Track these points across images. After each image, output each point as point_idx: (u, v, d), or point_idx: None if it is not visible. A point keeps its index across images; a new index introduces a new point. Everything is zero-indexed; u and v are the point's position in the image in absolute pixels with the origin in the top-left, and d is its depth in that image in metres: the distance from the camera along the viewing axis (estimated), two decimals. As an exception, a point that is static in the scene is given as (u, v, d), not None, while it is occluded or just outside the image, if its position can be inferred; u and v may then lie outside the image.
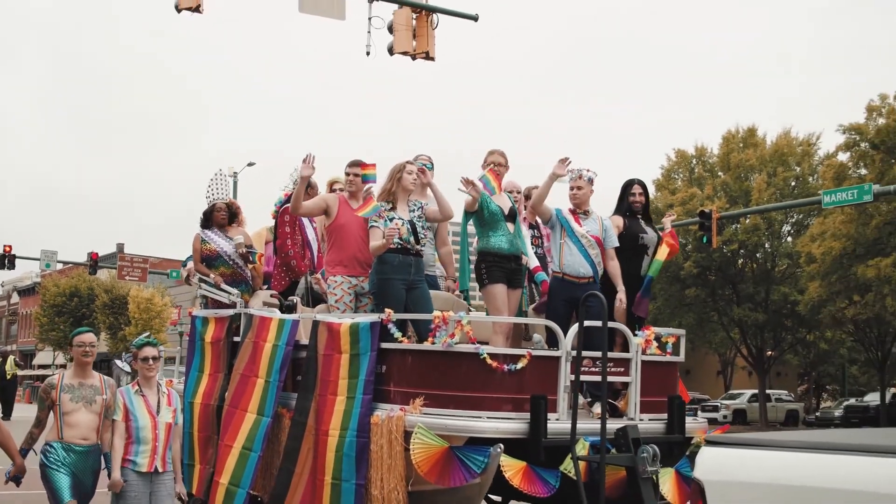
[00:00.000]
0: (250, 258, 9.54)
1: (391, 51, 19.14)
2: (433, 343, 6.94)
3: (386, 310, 7.27)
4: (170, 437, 7.32)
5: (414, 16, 19.15)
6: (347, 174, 8.73)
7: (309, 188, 8.85)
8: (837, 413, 46.14)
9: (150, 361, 7.34)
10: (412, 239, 7.87)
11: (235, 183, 41.55)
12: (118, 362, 9.80)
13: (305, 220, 9.58)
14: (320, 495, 7.28)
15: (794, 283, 39.86)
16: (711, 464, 5.06)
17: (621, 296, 8.08)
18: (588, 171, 8.26)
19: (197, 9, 17.14)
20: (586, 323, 7.01)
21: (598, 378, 7.00)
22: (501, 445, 6.39)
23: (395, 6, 19.10)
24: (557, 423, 6.74)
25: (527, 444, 6.63)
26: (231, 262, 9.50)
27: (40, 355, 79.65)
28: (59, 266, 52.24)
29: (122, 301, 58.44)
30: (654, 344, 7.57)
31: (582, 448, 6.63)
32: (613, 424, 6.97)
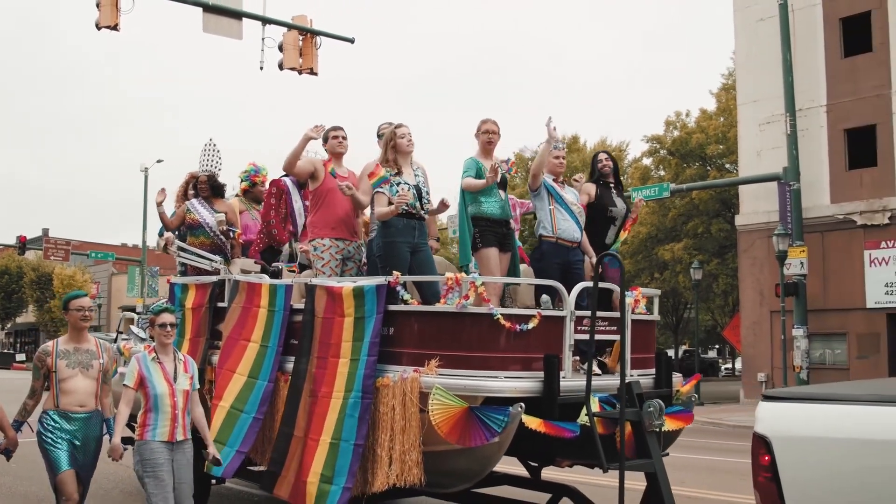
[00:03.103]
0: (230, 235, 8.38)
1: (281, 66, 18.68)
2: (445, 304, 5.80)
3: (394, 272, 6.07)
4: (187, 404, 5.93)
5: (300, 37, 18.74)
6: (335, 137, 7.44)
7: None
8: (641, 366, 47.84)
9: (168, 328, 5.97)
10: (418, 204, 6.68)
11: (146, 178, 40.71)
12: (134, 328, 8.81)
13: (294, 193, 8.26)
14: (312, 455, 6.07)
15: (609, 262, 41.04)
16: (776, 419, 4.22)
17: (594, 261, 7.15)
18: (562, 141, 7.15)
19: (115, 27, 16.43)
20: (581, 285, 6.10)
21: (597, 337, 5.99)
22: (522, 404, 5.32)
23: (285, 29, 18.64)
24: (564, 381, 5.69)
25: (540, 402, 5.58)
26: (211, 234, 8.33)
27: (-26, 326, 76.20)
28: (-8, 248, 50.03)
29: (48, 278, 56.02)
30: (642, 304, 6.66)
31: (593, 404, 5.61)
32: (613, 381, 5.94)
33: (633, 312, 6.40)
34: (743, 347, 25.99)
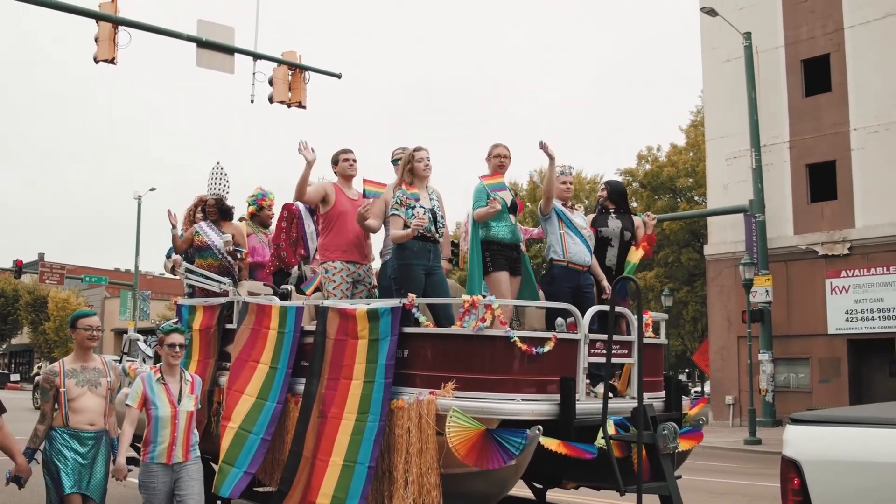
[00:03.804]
0: (237, 255, 8.08)
1: (271, 100, 18.56)
2: (462, 327, 5.50)
3: (409, 294, 5.75)
4: (192, 424, 5.61)
5: (290, 72, 18.65)
6: (346, 160, 7.14)
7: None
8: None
9: (177, 348, 5.63)
10: (433, 227, 6.36)
11: (139, 205, 40.55)
12: (141, 345, 8.25)
13: (306, 217, 7.93)
14: (321, 476, 5.73)
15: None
16: (805, 442, 3.97)
17: (605, 284, 6.95)
18: (571, 167, 7.13)
19: (112, 61, 16.28)
20: (595, 308, 5.84)
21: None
22: (540, 427, 5.02)
23: (275, 64, 18.63)
24: (578, 404, 5.40)
25: (555, 424, 5.27)
26: (220, 255, 8.02)
27: (-28, 348, 75.14)
28: (-12, 271, 49.65)
29: (43, 301, 55.29)
30: (651, 327, 6.38)
31: (608, 427, 5.33)
32: (627, 404, 5.73)
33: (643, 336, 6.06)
34: (711, 371, 25.97)
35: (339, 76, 19.87)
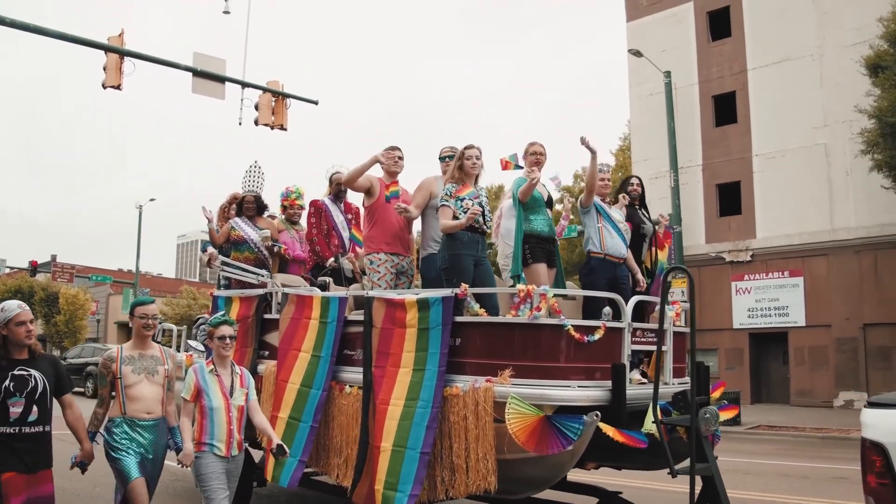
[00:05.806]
0: (273, 249, 7.40)
1: (256, 122, 18.08)
2: (517, 316, 4.84)
3: (462, 284, 5.10)
4: (242, 419, 4.87)
5: (273, 99, 18.42)
6: (392, 157, 6.48)
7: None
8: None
9: (227, 340, 4.91)
10: (481, 219, 5.71)
11: (140, 214, 39.91)
12: (191, 342, 7.90)
13: (333, 209, 7.28)
14: (376, 461, 5.01)
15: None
16: (888, 425, 3.43)
17: (639, 276, 6.50)
18: (609, 165, 6.49)
19: (118, 87, 16.14)
20: (637, 298, 5.33)
21: (646, 347, 5.25)
22: (598, 413, 4.42)
23: (260, 91, 18.53)
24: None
25: (607, 410, 4.65)
26: (255, 249, 7.35)
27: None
28: (6, 270, 48.54)
29: (55, 297, 54.22)
30: (680, 317, 5.81)
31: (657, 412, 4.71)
32: (664, 390, 5.09)
33: (673, 325, 5.56)
34: (635, 360, 26.22)
35: (315, 103, 19.60)
